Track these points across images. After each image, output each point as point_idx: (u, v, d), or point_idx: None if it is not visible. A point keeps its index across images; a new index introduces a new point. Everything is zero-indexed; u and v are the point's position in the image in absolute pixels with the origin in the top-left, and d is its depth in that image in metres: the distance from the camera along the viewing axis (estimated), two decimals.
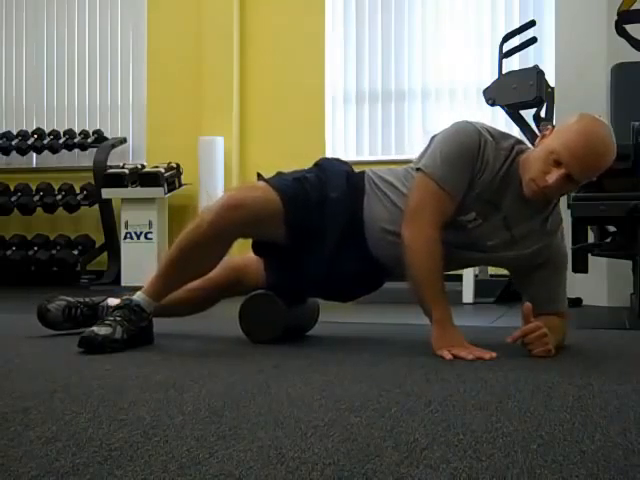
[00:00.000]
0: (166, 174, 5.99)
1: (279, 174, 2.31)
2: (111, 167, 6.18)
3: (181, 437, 1.13)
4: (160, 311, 2.29)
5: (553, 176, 1.99)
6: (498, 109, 4.64)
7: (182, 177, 6.19)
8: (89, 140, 6.51)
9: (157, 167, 6.05)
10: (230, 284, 2.43)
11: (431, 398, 1.43)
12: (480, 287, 4.53)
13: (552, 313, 2.19)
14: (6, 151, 6.65)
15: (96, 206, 6.26)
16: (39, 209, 6.43)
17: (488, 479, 0.94)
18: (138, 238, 5.95)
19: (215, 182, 6.01)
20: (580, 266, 3.80)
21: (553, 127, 2.08)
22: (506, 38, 4.61)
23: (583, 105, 3.43)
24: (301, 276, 2.28)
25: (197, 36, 6.40)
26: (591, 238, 4.03)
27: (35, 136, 6.62)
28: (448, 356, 1.95)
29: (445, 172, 2.07)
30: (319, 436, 1.14)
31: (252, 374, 1.73)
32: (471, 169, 2.07)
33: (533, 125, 4.34)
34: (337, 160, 2.46)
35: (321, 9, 6.24)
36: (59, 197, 6.35)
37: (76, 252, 6.25)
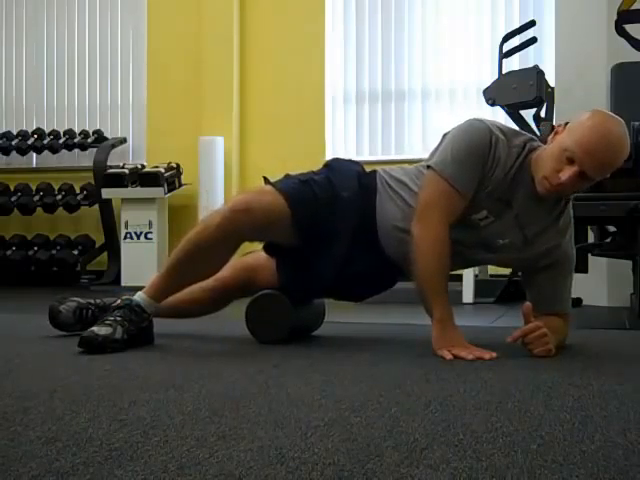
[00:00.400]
0: (166, 174, 5.99)
1: (286, 177, 2.30)
2: (111, 167, 6.18)
3: (181, 437, 1.13)
4: (171, 312, 2.28)
5: (566, 173, 1.97)
6: (498, 109, 4.64)
7: (182, 177, 6.18)
8: (89, 140, 6.51)
9: (157, 167, 6.05)
10: (242, 285, 2.42)
11: (431, 398, 1.43)
12: (480, 287, 4.52)
13: (554, 313, 2.18)
14: (6, 151, 6.65)
15: (96, 206, 6.26)
16: (39, 209, 6.43)
17: (488, 479, 0.94)
18: (138, 238, 5.95)
19: (215, 182, 6.01)
20: (580, 266, 3.79)
21: (566, 124, 2.05)
22: (506, 38, 4.61)
23: (583, 105, 3.41)
24: (313, 276, 2.28)
25: (197, 36, 6.40)
26: (591, 238, 4.04)
27: (35, 136, 6.62)
28: (448, 356, 1.95)
29: (455, 170, 2.06)
30: (319, 436, 1.14)
31: (252, 374, 1.72)
32: (482, 167, 2.06)
33: (533, 125, 4.33)
34: (348, 160, 2.45)
35: (321, 9, 6.24)
36: (59, 197, 6.35)
37: (76, 252, 6.25)
